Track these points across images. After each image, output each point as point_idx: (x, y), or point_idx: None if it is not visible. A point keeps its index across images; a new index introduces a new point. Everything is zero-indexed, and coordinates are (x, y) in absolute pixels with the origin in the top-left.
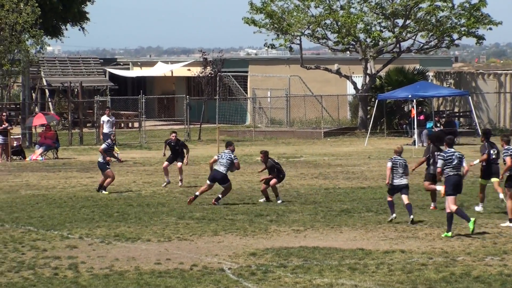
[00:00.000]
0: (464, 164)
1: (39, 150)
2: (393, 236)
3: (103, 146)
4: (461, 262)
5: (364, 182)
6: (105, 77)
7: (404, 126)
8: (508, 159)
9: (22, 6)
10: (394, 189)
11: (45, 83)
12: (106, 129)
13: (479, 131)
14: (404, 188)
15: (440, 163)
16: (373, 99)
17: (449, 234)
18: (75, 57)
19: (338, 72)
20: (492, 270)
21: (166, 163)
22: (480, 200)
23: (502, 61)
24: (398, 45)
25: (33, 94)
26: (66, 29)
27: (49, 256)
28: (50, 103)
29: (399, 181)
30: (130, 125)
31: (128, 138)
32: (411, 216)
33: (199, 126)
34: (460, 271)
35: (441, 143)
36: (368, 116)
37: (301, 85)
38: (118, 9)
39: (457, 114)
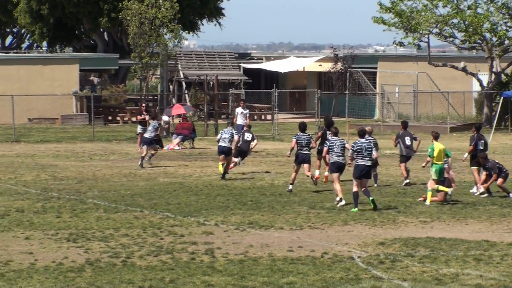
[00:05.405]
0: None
1: (176, 140)
2: None
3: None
4: None
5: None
6: (240, 71)
7: None
8: None
9: (161, 2)
10: None
11: (182, 76)
12: (239, 120)
13: None
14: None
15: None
16: (498, 96)
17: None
18: (211, 51)
19: (464, 69)
20: None
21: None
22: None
23: None
24: None
25: (170, 86)
26: (203, 24)
27: (187, 241)
28: (186, 95)
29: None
30: (263, 117)
31: (261, 130)
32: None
33: None
34: None
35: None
36: (493, 113)
37: (429, 82)
38: (251, 6)
39: None
